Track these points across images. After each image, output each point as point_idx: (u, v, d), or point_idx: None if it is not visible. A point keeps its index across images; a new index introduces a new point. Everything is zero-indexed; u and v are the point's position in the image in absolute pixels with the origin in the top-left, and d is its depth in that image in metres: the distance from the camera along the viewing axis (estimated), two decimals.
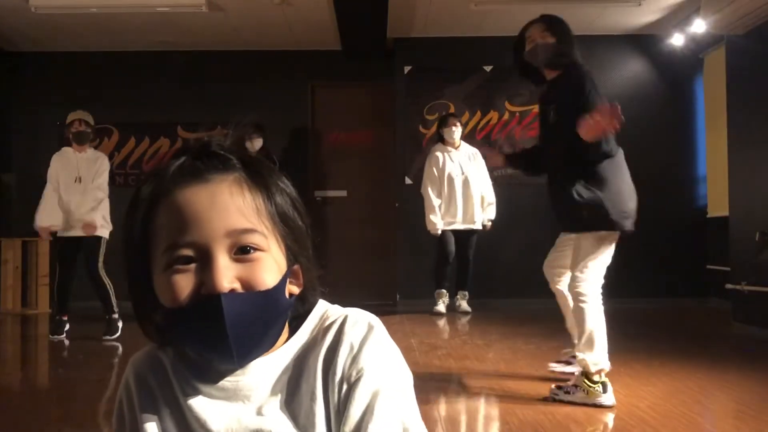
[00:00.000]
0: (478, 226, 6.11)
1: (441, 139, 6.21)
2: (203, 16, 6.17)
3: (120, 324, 4.83)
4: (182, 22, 6.41)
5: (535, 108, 6.93)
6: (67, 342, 4.77)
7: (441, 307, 6.08)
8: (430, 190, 6.07)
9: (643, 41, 6.99)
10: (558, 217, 3.14)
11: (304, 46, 7.20)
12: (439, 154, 6.14)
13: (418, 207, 6.25)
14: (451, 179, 6.04)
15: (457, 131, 6.15)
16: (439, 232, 6.02)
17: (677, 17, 6.48)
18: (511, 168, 3.89)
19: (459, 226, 6.05)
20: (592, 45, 7.00)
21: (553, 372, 3.36)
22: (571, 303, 3.03)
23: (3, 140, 7.26)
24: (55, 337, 4.79)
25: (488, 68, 7.01)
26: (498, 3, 6.01)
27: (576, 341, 3.00)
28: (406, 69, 7.06)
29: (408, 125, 7.04)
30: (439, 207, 6.06)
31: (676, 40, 6.69)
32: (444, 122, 6.18)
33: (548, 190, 3.14)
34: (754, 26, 4.91)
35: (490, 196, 6.22)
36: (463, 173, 6.07)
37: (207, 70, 7.36)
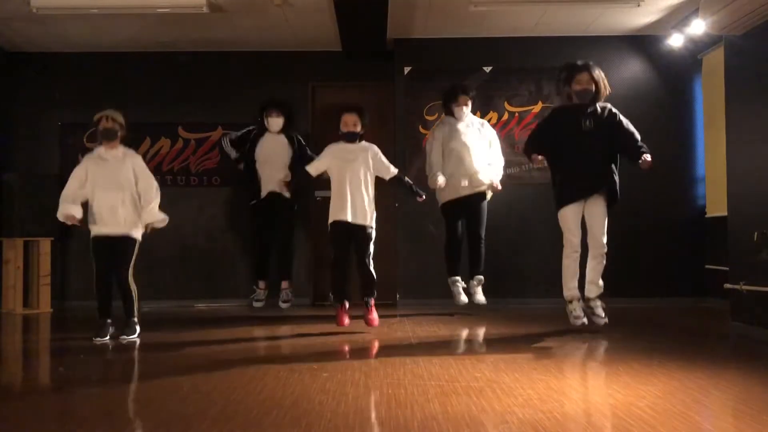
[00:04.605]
0: (483, 187, 5.83)
1: (449, 112, 5.95)
2: (203, 17, 6.18)
3: (138, 327, 4.84)
4: (182, 22, 6.42)
5: (534, 108, 6.98)
6: (110, 344, 4.68)
7: (461, 297, 5.86)
8: (434, 154, 5.86)
9: (643, 42, 7.01)
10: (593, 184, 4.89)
11: (304, 46, 7.21)
12: (446, 126, 5.91)
13: (418, 207, 6.25)
14: (452, 150, 5.80)
15: (467, 110, 5.88)
16: (440, 183, 5.72)
17: (676, 18, 6.49)
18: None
19: (465, 192, 5.78)
20: (591, 45, 7.03)
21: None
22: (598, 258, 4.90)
23: (4, 140, 7.28)
24: (98, 339, 4.68)
25: (488, 69, 7.02)
26: (497, 4, 6.02)
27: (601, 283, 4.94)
28: (406, 69, 7.08)
29: (408, 125, 7.05)
30: (442, 169, 5.79)
31: (675, 41, 6.71)
32: (453, 98, 5.89)
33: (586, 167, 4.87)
34: (752, 27, 4.92)
35: (499, 162, 5.96)
36: (466, 142, 5.80)
37: (207, 70, 7.37)
